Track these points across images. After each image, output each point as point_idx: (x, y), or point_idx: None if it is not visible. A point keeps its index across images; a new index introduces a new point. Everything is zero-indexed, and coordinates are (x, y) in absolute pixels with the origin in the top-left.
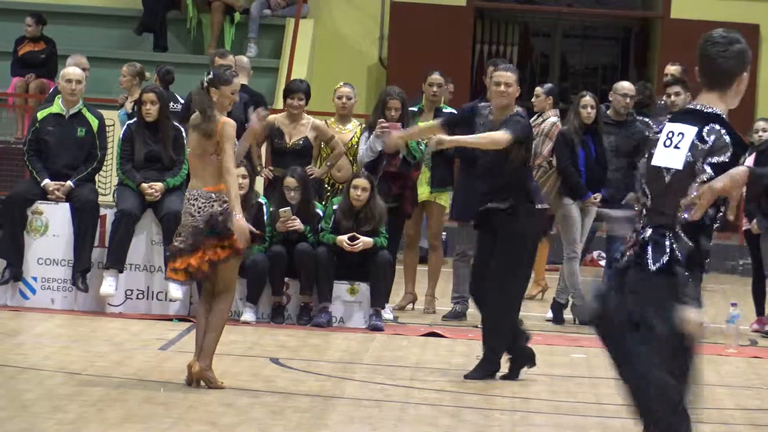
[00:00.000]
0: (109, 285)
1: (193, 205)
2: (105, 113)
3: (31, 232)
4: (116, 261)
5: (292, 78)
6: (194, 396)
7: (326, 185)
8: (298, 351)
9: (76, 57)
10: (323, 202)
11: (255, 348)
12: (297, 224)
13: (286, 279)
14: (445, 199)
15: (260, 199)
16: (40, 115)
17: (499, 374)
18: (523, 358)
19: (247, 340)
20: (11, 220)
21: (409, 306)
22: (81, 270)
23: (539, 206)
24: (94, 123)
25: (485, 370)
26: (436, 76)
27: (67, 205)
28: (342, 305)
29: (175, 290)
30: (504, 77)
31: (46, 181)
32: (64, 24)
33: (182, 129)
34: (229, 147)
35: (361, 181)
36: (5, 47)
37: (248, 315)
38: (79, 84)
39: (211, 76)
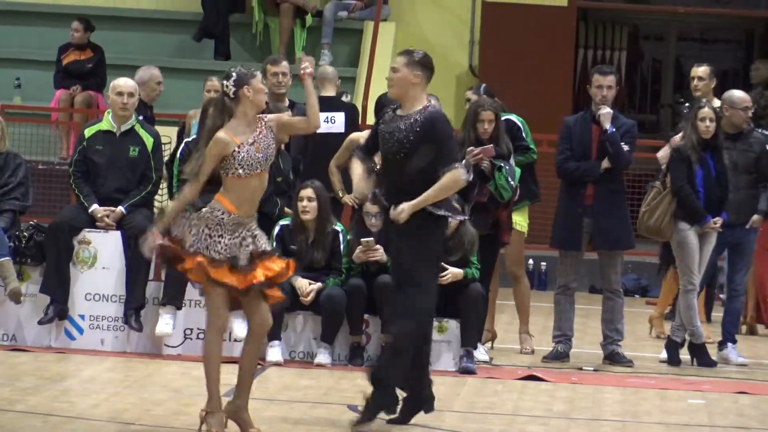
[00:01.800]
0: (165, 323)
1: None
2: (160, 130)
3: (77, 264)
4: (174, 296)
5: (370, 89)
6: None
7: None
8: None
9: (149, 68)
10: None
11: (331, 393)
12: (379, 254)
13: (366, 316)
14: (523, 220)
15: (336, 227)
16: (88, 132)
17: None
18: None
19: (322, 385)
20: (56, 251)
21: (488, 344)
22: (134, 307)
23: None
24: (149, 141)
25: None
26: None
27: (118, 233)
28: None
29: (241, 329)
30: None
31: (95, 206)
32: (113, 29)
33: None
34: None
35: None
36: (48, 56)
37: (323, 357)
38: (132, 97)
39: (234, 77)
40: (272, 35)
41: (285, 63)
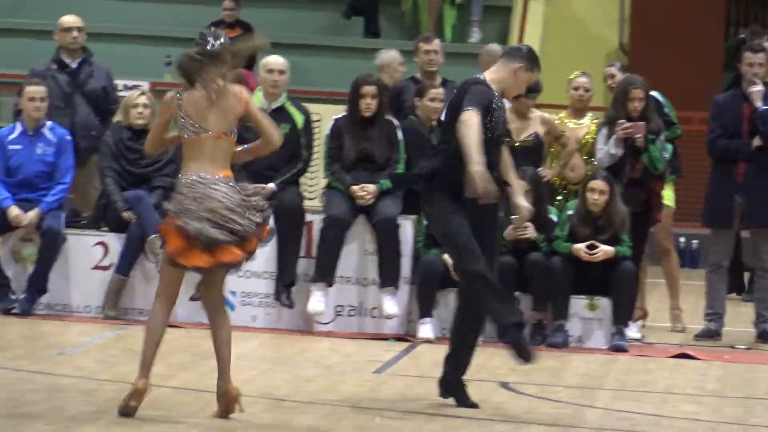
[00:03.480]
0: (317, 301)
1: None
2: (311, 107)
3: None
4: (325, 273)
5: None
6: (413, 425)
7: (560, 188)
8: (531, 374)
9: (389, 51)
10: (556, 207)
11: (482, 371)
12: (529, 232)
13: (517, 293)
14: (670, 194)
15: None
16: None
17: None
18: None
19: (474, 362)
20: None
21: (639, 322)
22: (285, 284)
23: None
24: (299, 119)
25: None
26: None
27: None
28: (580, 323)
29: (391, 306)
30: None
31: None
32: (262, 7)
33: (395, 123)
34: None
35: (598, 183)
36: (197, 33)
37: None
38: (282, 74)
39: (223, 38)
40: (421, 13)
41: (437, 41)
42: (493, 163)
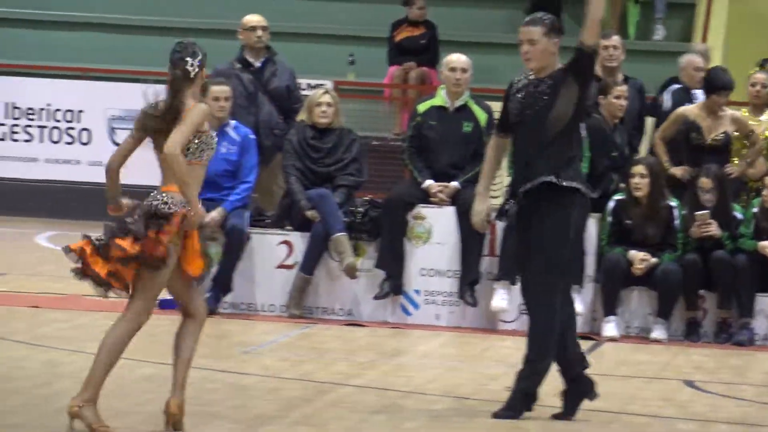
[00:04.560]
0: (501, 299)
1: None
2: (494, 105)
3: (412, 240)
4: (508, 272)
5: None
6: (596, 424)
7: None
8: (717, 373)
9: (687, 55)
10: (742, 204)
11: (667, 369)
12: (713, 229)
13: (702, 291)
14: None
15: (670, 202)
16: (421, 107)
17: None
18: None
19: (659, 360)
20: (390, 227)
21: None
22: (469, 282)
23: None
24: (482, 117)
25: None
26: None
27: (451, 209)
28: (766, 321)
29: (576, 304)
30: (527, 33)
31: (429, 182)
32: (444, 6)
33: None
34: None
35: (766, 180)
36: (380, 32)
37: (659, 332)
38: (465, 73)
39: (200, 56)
40: (606, 10)
41: (616, 37)
42: (519, 149)
